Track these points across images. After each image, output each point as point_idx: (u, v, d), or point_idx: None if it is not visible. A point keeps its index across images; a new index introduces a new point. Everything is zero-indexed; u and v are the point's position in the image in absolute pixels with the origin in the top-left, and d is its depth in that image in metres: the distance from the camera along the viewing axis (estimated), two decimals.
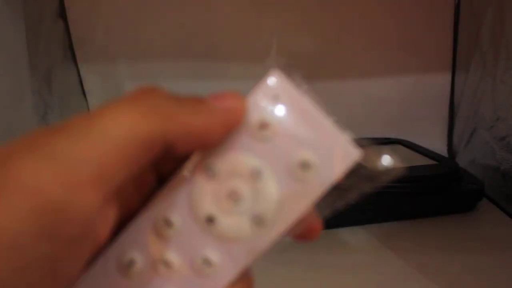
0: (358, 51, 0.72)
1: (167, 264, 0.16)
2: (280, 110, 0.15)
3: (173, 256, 0.16)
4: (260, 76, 0.16)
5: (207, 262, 0.16)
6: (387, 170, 0.17)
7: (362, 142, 0.16)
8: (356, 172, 0.16)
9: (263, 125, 0.15)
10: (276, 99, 0.15)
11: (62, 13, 0.70)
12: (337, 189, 0.16)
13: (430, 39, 0.71)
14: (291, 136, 0.15)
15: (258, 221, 0.15)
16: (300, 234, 0.17)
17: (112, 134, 0.13)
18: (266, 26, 0.70)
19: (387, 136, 0.67)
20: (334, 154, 0.15)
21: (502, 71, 0.55)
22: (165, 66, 0.72)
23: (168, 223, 0.16)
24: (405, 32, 0.71)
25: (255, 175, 0.15)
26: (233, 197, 0.15)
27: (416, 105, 0.74)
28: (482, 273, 0.40)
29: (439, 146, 0.72)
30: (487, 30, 0.60)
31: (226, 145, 0.15)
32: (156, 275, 0.16)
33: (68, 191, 0.13)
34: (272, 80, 0.15)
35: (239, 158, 0.15)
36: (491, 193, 0.57)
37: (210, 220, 0.16)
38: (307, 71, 0.16)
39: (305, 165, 0.15)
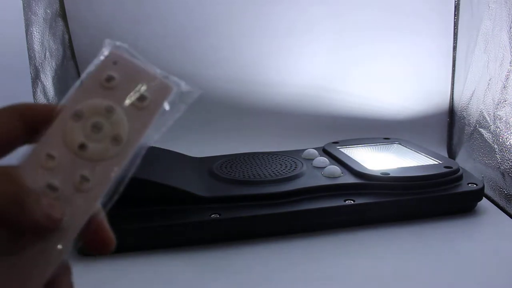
0: (358, 52, 0.72)
1: (53, 188, 0.21)
2: (119, 69, 0.23)
3: (56, 182, 0.21)
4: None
5: (84, 178, 0.21)
6: (187, 94, 0.24)
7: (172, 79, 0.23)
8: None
9: (109, 79, 0.23)
10: (115, 63, 0.23)
11: (62, 13, 0.70)
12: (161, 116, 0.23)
13: (430, 39, 0.71)
14: (129, 82, 0.23)
15: (116, 140, 0.22)
16: (93, 246, 0.22)
17: None
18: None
19: (387, 136, 0.67)
20: (159, 89, 0.23)
21: (502, 71, 0.55)
22: (163, 66, 0.72)
23: (50, 156, 0.22)
24: (405, 33, 0.71)
25: (109, 110, 0.22)
26: (96, 128, 0.22)
27: (416, 105, 0.74)
28: (482, 273, 0.40)
29: (439, 146, 0.72)
30: (487, 30, 0.60)
31: (87, 95, 0.23)
32: (46, 200, 0.21)
33: None
34: (112, 52, 0.24)
35: (96, 102, 0.23)
36: (491, 193, 0.57)
37: (82, 147, 0.22)
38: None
39: (141, 98, 0.23)
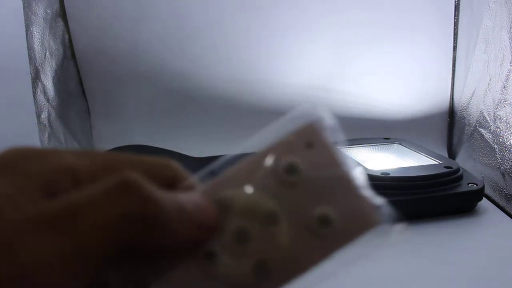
0: (358, 52, 0.72)
1: None
2: (311, 159, 0.14)
3: None
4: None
5: None
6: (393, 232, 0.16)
7: (384, 211, 0.15)
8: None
9: (292, 170, 0.14)
10: (309, 146, 0.14)
11: (62, 13, 0.70)
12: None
13: (430, 39, 0.71)
14: (317, 188, 0.14)
15: (262, 267, 0.14)
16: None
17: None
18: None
19: (387, 136, 0.67)
20: (356, 217, 0.15)
21: (502, 71, 0.55)
22: (163, 66, 0.72)
23: None
24: (405, 33, 0.71)
25: (270, 219, 0.14)
26: (241, 236, 0.14)
27: (416, 105, 0.74)
28: (482, 273, 0.40)
29: (439, 146, 0.72)
30: (487, 30, 0.60)
31: (249, 181, 0.14)
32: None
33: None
34: (309, 127, 0.15)
35: (257, 198, 0.14)
36: (491, 193, 0.57)
37: (209, 255, 0.14)
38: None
39: (324, 221, 0.14)
